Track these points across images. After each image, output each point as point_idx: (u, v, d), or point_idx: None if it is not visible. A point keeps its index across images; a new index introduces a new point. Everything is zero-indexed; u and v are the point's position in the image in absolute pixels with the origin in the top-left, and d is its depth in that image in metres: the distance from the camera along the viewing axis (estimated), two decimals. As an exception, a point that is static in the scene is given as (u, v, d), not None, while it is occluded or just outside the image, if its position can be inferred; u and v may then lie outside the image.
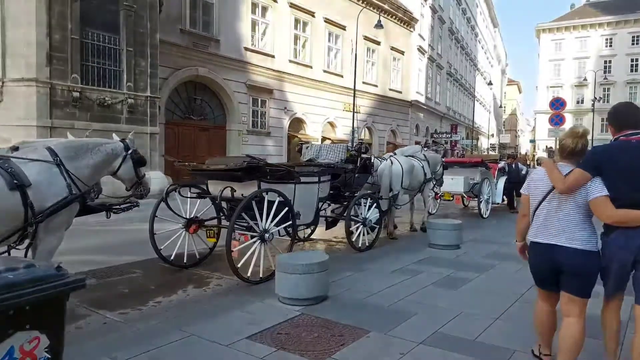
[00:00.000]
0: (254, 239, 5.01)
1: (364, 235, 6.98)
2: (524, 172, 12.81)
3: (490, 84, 44.84)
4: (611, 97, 56.77)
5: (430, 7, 35.25)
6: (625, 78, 56.17)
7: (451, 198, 11.25)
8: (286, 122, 21.83)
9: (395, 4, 29.08)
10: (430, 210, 11.73)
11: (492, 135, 72.14)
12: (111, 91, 12.10)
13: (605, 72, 55.73)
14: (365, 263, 6.02)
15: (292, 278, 4.21)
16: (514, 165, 12.42)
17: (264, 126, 20.74)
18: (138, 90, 12.65)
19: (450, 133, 39.71)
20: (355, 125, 26.39)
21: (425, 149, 11.36)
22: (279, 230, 5.25)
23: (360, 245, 6.87)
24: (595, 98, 49.63)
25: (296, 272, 4.20)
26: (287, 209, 5.30)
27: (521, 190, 3.07)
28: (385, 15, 28.67)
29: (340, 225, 7.28)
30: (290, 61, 21.82)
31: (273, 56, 20.75)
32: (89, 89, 11.69)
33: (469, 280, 5.28)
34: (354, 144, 7.02)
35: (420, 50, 33.46)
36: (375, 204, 7.10)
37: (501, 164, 12.42)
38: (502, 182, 12.26)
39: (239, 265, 4.80)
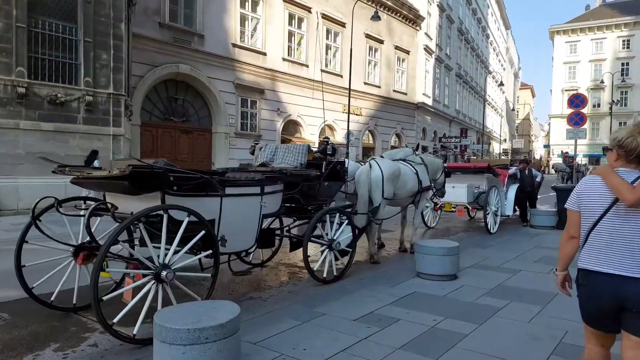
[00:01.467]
0: (147, 278, 3.46)
1: (331, 261, 5.39)
2: (538, 179, 11.12)
3: (501, 84, 42.92)
4: (629, 100, 54.55)
5: (437, 5, 33.61)
6: (645, 81, 53.81)
7: (453, 209, 9.60)
8: (279, 125, 20.33)
9: (399, 0, 27.52)
10: (429, 224, 10.10)
11: (505, 140, 70.01)
12: (65, 87, 10.70)
13: (622, 74, 53.53)
14: (323, 303, 4.43)
15: None
16: (527, 171, 10.72)
17: (255, 129, 19.25)
18: (98, 86, 11.23)
19: (459, 137, 37.88)
20: (356, 128, 24.84)
21: (430, 153, 9.70)
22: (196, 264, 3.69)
23: (325, 275, 5.29)
24: (613, 101, 47.44)
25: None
26: (204, 231, 3.75)
27: (567, 205, 2.40)
28: (389, 13, 27.13)
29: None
30: (284, 59, 20.35)
31: (265, 54, 19.30)
32: (37, 84, 10.30)
33: (462, 337, 3.65)
34: (321, 145, 5.32)
35: (427, 50, 31.81)
36: (347, 221, 5.51)
37: (512, 170, 10.74)
38: (513, 190, 10.57)
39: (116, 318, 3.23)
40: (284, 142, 20.48)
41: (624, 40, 56.05)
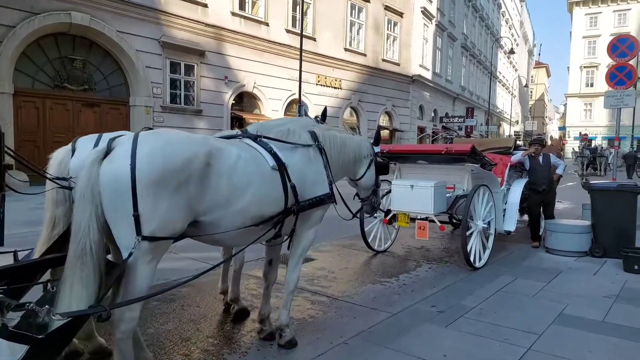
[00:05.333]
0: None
1: None
2: (560, 170, 6.96)
3: (511, 52, 37.99)
4: (656, 77, 49.24)
5: (439, -39, 28.88)
6: (674, 55, 48.37)
7: (408, 224, 5.56)
8: (228, 97, 16.23)
9: (390, -50, 22.99)
10: (378, 245, 6.15)
11: (517, 122, 64.93)
12: None
13: (648, 49, 48.09)
14: None
15: None
16: (541, 159, 6.58)
17: (192, 102, 15.20)
18: None
19: (464, 117, 33.43)
20: (334, 104, 20.65)
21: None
22: None
23: None
24: (639, 78, 42.43)
25: None
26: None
27: None
28: (377, -35, 22.62)
29: None
30: (234, 14, 16.14)
31: (205, 5, 15.12)
32: None
33: None
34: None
35: (426, 14, 27.21)
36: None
37: (516, 157, 6.62)
38: (518, 190, 6.48)
39: None
40: (235, 119, 16.43)
41: (650, 11, 50.74)
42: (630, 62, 7.64)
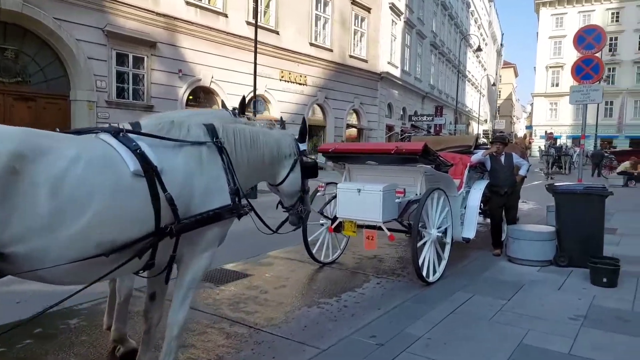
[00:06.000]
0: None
1: None
2: (523, 171, 6.43)
3: (479, 49, 38.09)
4: (617, 77, 50.59)
5: (407, -43, 28.49)
6: (632, 57, 49.79)
7: (355, 233, 4.90)
8: (183, 92, 15.26)
9: (357, -57, 22.39)
10: (324, 257, 5.48)
11: (486, 121, 65.70)
12: None
13: (611, 50, 49.35)
14: None
15: None
16: (503, 159, 6.02)
17: (141, 96, 14.16)
18: None
19: (433, 116, 33.23)
20: (300, 101, 19.91)
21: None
22: None
23: None
24: (602, 78, 43.39)
25: None
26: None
27: None
28: (343, -42, 21.98)
29: None
30: (189, 3, 15.16)
31: (156, -7, 14.12)
32: None
33: None
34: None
35: (394, 10, 26.75)
36: None
37: (476, 156, 6.04)
38: (477, 192, 5.90)
39: None
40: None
41: (613, 13, 52.13)
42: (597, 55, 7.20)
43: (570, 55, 52.29)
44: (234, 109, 3.14)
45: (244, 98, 3.55)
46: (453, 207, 5.25)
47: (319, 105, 21.87)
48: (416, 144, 4.69)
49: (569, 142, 44.39)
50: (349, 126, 24.27)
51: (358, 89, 24.04)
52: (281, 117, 4.02)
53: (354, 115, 24.86)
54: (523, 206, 11.06)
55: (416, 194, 4.98)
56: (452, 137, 7.35)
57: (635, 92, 49.09)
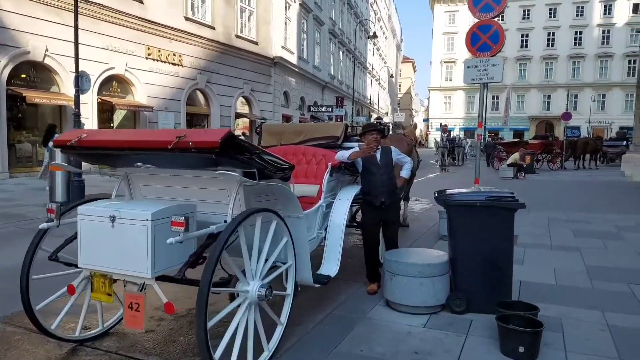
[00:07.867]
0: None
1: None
2: (406, 172, 4.56)
3: (374, 36, 37.49)
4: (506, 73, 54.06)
5: None
6: (515, 54, 53.50)
7: (111, 297, 2.61)
8: (1, 69, 11.67)
9: None
10: (93, 334, 3.02)
11: (387, 113, 66.88)
12: None
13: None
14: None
15: None
16: (379, 156, 4.13)
17: None
18: None
19: (333, 106, 31.94)
20: (174, 84, 16.97)
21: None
22: None
23: None
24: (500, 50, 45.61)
25: None
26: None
27: None
28: None
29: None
30: (4, -50, 11.60)
31: None
32: None
33: None
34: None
35: (287, -10, 24.70)
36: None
37: (341, 154, 4.09)
38: (344, 203, 3.97)
39: None
40: (15, 98, 11.92)
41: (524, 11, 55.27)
42: (498, 21, 5.71)
43: (462, 51, 54.86)
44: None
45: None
46: (297, 234, 3.22)
47: (200, 90, 19.09)
48: (212, 134, 2.50)
49: (462, 134, 46.35)
50: (238, 115, 21.81)
51: (248, 74, 21.63)
52: None
53: (245, 103, 22.43)
54: (414, 206, 9.64)
55: (225, 221, 2.81)
56: (317, 124, 5.26)
57: (518, 87, 52.53)
